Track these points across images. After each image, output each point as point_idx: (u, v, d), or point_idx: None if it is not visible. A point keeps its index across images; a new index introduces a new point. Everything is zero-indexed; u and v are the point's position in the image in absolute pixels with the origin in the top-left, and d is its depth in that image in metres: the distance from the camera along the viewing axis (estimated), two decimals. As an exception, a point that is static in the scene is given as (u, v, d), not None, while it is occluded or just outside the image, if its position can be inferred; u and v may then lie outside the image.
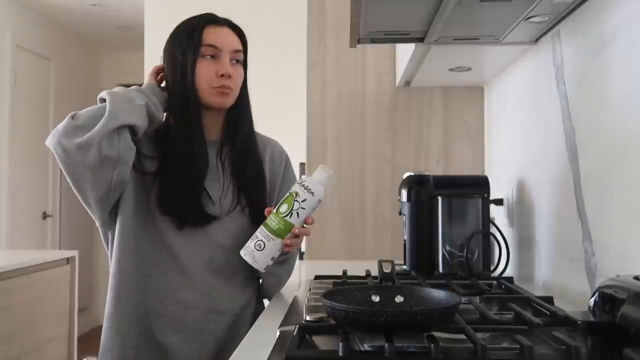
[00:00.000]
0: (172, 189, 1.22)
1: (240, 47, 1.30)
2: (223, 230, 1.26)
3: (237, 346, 0.93)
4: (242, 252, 1.18)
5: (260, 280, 1.37)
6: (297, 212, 1.13)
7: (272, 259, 1.17)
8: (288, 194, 1.15)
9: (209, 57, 1.25)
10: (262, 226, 1.16)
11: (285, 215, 1.14)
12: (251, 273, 1.33)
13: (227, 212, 1.27)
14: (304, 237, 1.35)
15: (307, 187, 1.13)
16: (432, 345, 0.76)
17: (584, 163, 1.23)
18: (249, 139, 1.34)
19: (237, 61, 1.29)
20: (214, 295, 1.26)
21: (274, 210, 1.16)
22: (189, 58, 1.24)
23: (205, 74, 1.25)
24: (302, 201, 1.13)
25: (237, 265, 1.29)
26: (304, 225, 1.18)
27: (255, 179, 1.32)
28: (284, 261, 1.30)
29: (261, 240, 1.15)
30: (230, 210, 1.28)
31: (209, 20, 1.29)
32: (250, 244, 1.17)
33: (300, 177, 1.18)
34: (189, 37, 1.26)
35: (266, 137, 1.40)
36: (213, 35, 1.26)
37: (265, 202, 1.33)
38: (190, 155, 1.24)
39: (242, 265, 1.30)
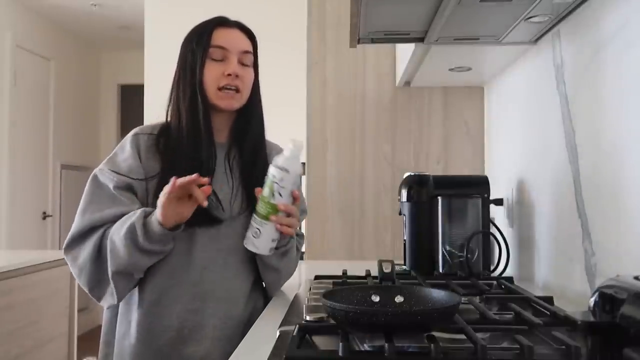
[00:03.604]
0: None
1: (249, 48, 1.30)
2: (235, 233, 1.26)
3: None
4: (245, 243, 1.21)
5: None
6: (279, 192, 1.16)
7: (272, 240, 1.20)
8: (266, 178, 1.17)
9: (217, 58, 1.26)
10: (254, 214, 1.19)
11: (270, 199, 1.16)
12: (259, 275, 1.33)
13: (237, 215, 1.27)
14: (306, 237, 1.35)
15: (281, 166, 1.16)
16: (432, 345, 0.76)
17: (584, 163, 1.22)
18: (259, 142, 1.33)
19: (247, 64, 1.29)
20: (230, 300, 1.26)
21: (260, 196, 1.18)
22: (198, 59, 1.26)
23: (212, 74, 1.26)
24: (280, 180, 1.15)
25: (248, 268, 1.30)
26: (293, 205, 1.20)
27: (263, 181, 1.32)
28: (283, 253, 1.28)
29: (256, 228, 1.18)
30: (240, 213, 1.28)
31: (219, 22, 1.30)
32: (248, 234, 1.20)
33: (273, 160, 1.18)
34: (199, 39, 1.27)
35: (268, 141, 1.40)
36: (221, 37, 1.28)
37: None
38: (198, 156, 1.24)
39: (252, 269, 1.30)
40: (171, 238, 1.18)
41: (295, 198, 1.19)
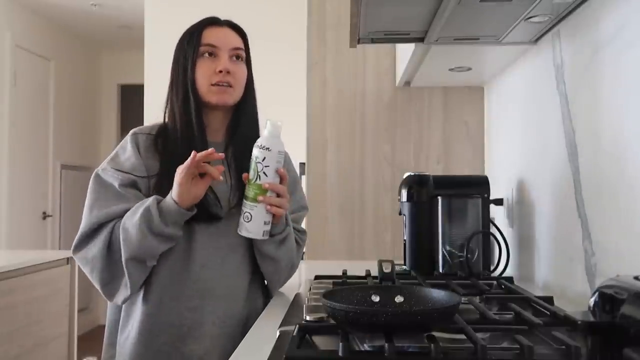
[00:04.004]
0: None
1: (240, 45, 1.31)
2: (233, 231, 1.26)
3: None
4: (238, 230, 1.20)
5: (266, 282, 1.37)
6: (264, 172, 1.16)
7: (265, 223, 1.19)
8: (251, 160, 1.18)
9: (208, 55, 1.28)
10: (243, 199, 1.19)
11: (255, 180, 1.16)
12: (259, 274, 1.33)
13: (235, 212, 1.27)
14: (306, 239, 1.35)
15: (262, 145, 1.16)
16: (432, 345, 0.76)
17: (583, 163, 1.23)
18: (251, 138, 1.33)
19: (239, 58, 1.30)
20: (229, 298, 1.26)
21: (247, 181, 1.18)
22: (190, 58, 1.27)
23: (204, 71, 1.27)
24: (263, 160, 1.16)
25: (247, 266, 1.30)
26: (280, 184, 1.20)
27: None
28: (281, 242, 1.27)
29: (247, 212, 1.18)
30: (238, 210, 1.28)
31: (209, 21, 1.32)
32: (240, 219, 1.20)
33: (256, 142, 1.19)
34: (189, 39, 1.29)
35: None
36: (211, 35, 1.29)
37: None
38: (191, 151, 1.25)
39: (251, 266, 1.30)
40: (183, 222, 1.19)
41: (281, 177, 1.19)
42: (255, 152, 1.17)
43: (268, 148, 1.15)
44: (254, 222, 1.18)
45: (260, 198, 1.16)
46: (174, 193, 1.16)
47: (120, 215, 1.21)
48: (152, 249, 1.18)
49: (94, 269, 1.21)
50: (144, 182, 1.26)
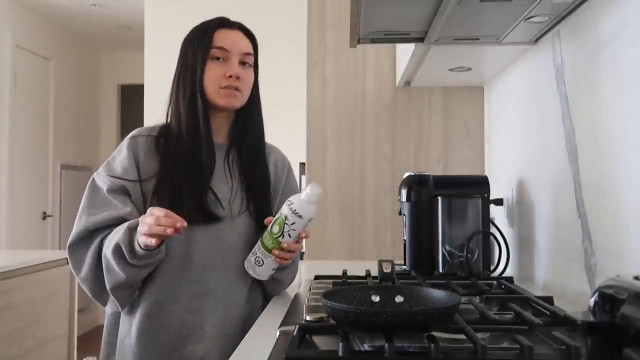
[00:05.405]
0: (177, 187, 1.22)
1: (250, 50, 1.31)
2: (235, 233, 1.27)
3: None
4: (245, 266, 1.25)
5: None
6: (289, 234, 1.19)
7: (272, 269, 1.25)
8: (279, 215, 1.19)
9: (218, 59, 1.27)
10: (259, 243, 1.22)
11: (278, 237, 1.19)
12: None
13: (237, 214, 1.28)
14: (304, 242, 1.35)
15: (295, 211, 1.17)
16: (432, 345, 0.76)
17: (584, 163, 1.23)
18: (258, 144, 1.34)
19: (248, 64, 1.30)
20: (230, 300, 1.26)
21: (269, 229, 1.20)
22: (199, 59, 1.26)
23: (213, 74, 1.26)
24: (292, 224, 1.18)
25: None
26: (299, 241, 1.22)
27: (262, 183, 1.33)
28: (284, 268, 1.30)
29: (260, 257, 1.22)
30: (240, 212, 1.28)
31: (221, 23, 1.31)
32: (251, 258, 1.24)
33: (288, 200, 1.19)
34: (200, 40, 1.28)
35: (266, 143, 1.40)
36: (223, 38, 1.28)
37: (270, 206, 1.33)
38: (197, 158, 1.25)
39: None
40: (158, 251, 1.18)
41: (302, 237, 1.21)
42: (286, 211, 1.18)
43: (301, 216, 1.17)
44: (263, 268, 1.23)
45: (275, 252, 1.19)
46: (139, 240, 1.12)
47: (107, 224, 1.21)
48: (134, 277, 1.19)
49: (83, 282, 1.25)
50: (135, 186, 1.25)
